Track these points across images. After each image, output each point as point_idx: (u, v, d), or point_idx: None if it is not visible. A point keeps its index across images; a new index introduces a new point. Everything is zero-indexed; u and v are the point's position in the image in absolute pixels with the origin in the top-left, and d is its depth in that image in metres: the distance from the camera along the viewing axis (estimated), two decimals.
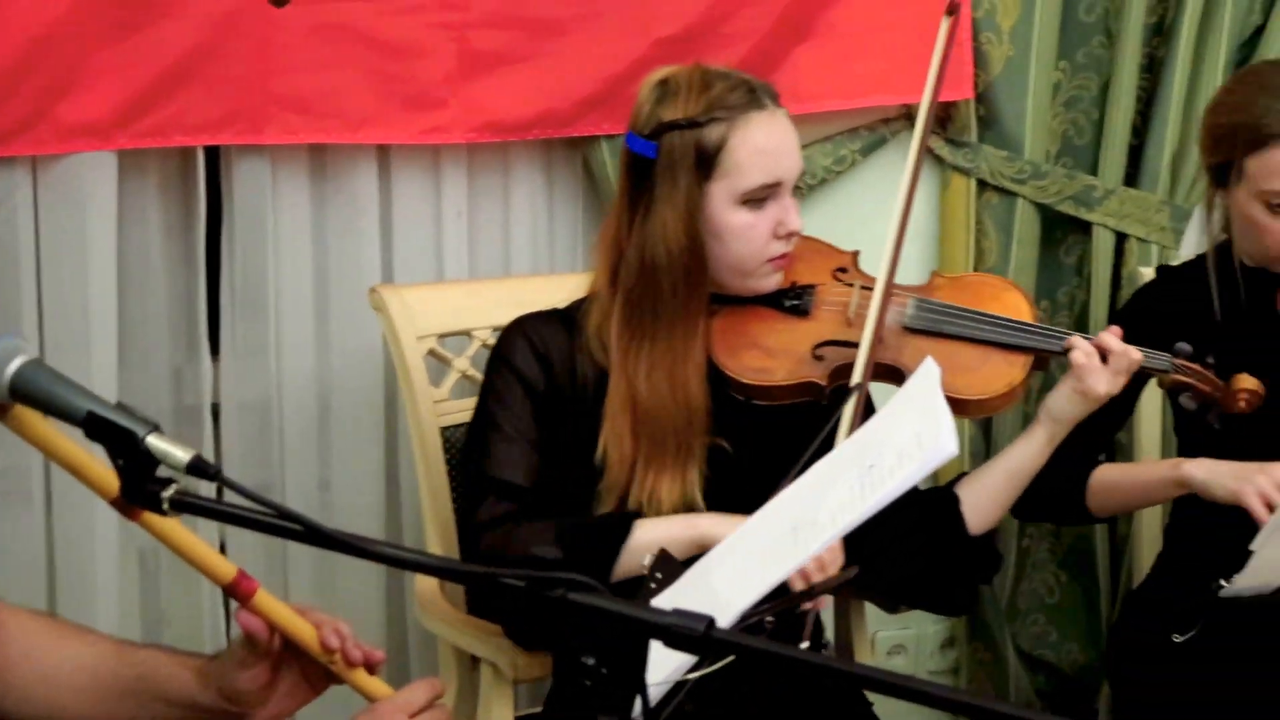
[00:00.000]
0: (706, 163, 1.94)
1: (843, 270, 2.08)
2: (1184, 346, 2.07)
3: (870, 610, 2.47)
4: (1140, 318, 2.27)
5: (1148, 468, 2.40)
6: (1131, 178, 2.79)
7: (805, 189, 2.63)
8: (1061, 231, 2.84)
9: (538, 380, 2.01)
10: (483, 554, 1.92)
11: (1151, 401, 2.54)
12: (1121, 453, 2.68)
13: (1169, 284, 2.36)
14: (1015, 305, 2.08)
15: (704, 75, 1.97)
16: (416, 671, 2.54)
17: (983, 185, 2.73)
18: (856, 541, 2.06)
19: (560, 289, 2.18)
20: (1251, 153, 2.12)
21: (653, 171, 1.95)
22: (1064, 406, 2.07)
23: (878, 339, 1.98)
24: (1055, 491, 2.21)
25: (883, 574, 2.01)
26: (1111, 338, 2.05)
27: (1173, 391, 2.07)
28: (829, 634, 2.30)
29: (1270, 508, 2.04)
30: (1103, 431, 2.27)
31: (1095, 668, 2.94)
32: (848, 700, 2.15)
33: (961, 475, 2.20)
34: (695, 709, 1.77)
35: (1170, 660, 2.21)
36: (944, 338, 2.04)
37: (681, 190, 1.94)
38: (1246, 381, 2.05)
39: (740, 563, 1.61)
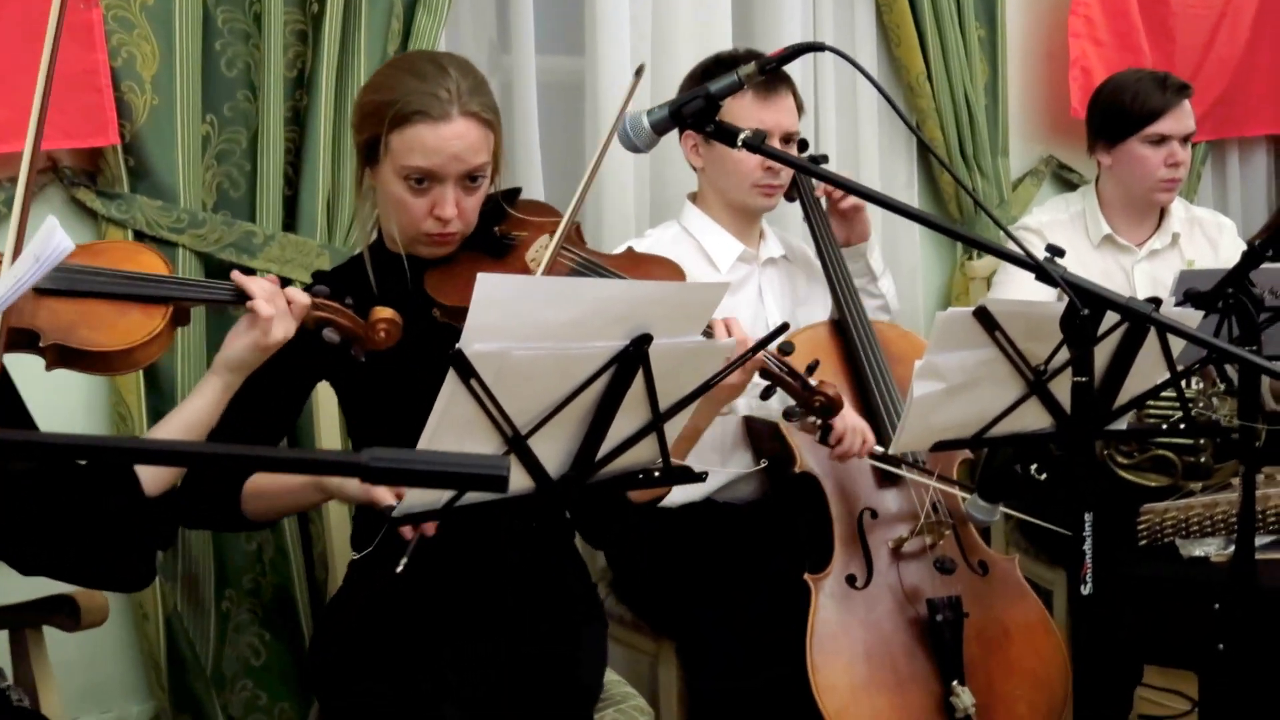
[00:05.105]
0: None
1: None
2: (322, 288, 2.15)
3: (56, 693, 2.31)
4: None
5: None
6: (290, 225, 2.85)
7: None
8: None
9: None
10: None
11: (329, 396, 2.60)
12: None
13: (325, 281, 2.40)
14: (151, 263, 2.10)
15: None
16: None
17: (140, 236, 2.68)
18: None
19: None
20: (395, 129, 2.24)
21: None
22: (241, 355, 2.09)
23: (11, 307, 1.89)
24: (213, 497, 2.19)
25: (46, 546, 1.95)
26: (296, 290, 2.11)
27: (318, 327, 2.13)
28: None
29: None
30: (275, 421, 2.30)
31: None
32: None
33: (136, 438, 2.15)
34: None
35: (363, 671, 2.27)
36: (80, 296, 2.01)
37: None
38: (383, 312, 2.15)
39: None
